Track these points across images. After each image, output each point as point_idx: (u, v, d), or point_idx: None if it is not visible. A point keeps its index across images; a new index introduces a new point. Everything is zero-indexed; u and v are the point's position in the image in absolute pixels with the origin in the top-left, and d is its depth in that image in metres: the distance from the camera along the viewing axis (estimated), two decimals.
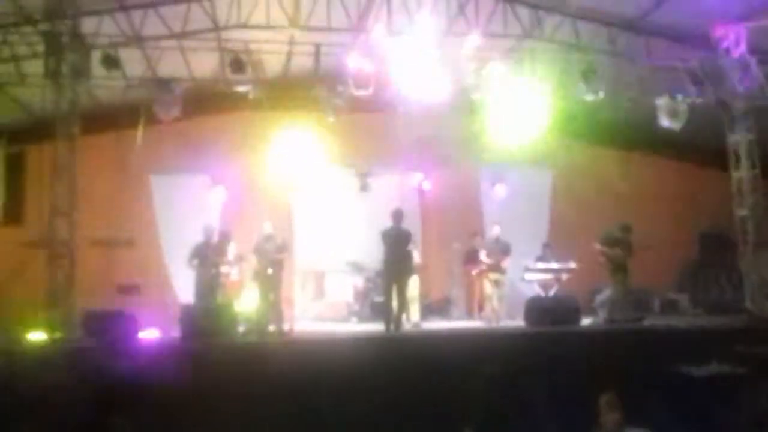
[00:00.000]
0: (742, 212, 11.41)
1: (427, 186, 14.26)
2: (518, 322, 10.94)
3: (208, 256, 10.63)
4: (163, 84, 10.61)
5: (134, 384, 3.17)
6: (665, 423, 7.04)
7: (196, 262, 10.61)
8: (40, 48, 9.94)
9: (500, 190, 14.12)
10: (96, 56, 10.13)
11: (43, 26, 9.91)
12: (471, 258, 12.45)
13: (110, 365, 3.51)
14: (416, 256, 11.53)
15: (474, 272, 12.26)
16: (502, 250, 11.82)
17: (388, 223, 10.34)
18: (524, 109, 11.11)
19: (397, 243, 10.17)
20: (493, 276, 11.74)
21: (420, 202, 14.35)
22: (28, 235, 11.76)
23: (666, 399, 7.62)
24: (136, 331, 8.89)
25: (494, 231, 12.13)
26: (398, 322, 10.06)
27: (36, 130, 11.43)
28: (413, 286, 11.35)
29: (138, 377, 3.18)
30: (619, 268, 10.73)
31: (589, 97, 11.53)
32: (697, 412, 7.48)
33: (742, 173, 11.45)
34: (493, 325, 11.35)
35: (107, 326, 8.56)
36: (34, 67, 10.05)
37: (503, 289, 11.91)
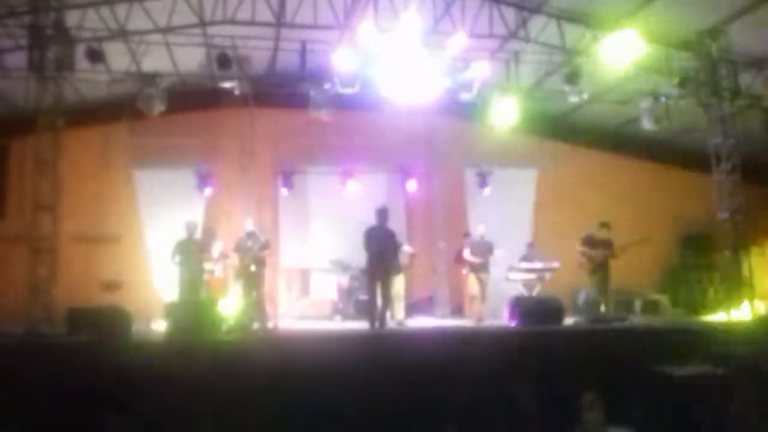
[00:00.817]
0: (723, 214, 11.53)
1: (412, 185, 14.28)
2: (501, 321, 10.99)
3: (190, 253, 10.58)
4: (148, 79, 10.55)
5: (125, 381, 3.16)
6: (646, 422, 7.11)
7: (178, 258, 10.56)
8: (24, 41, 9.85)
9: (485, 190, 14.17)
10: (80, 50, 10.06)
11: (27, 19, 9.82)
12: (460, 257, 12.48)
13: (102, 362, 3.49)
14: (407, 249, 11.63)
15: (464, 271, 12.27)
16: (488, 248, 11.87)
17: (372, 221, 10.31)
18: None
19: (381, 241, 10.11)
20: (478, 275, 11.79)
21: (405, 201, 14.38)
22: (10, 229, 11.66)
23: (647, 399, 7.68)
24: (128, 327, 8.79)
25: (479, 229, 12.15)
26: (382, 319, 10.05)
27: (19, 123, 11.30)
28: (399, 284, 11.38)
29: (129, 374, 3.17)
30: (598, 268, 10.82)
31: (574, 99, 11.61)
32: (678, 412, 7.56)
33: (723, 176, 11.57)
34: (478, 323, 11.39)
35: (98, 322, 8.43)
36: (18, 60, 9.96)
37: (487, 287, 11.96)
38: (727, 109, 11.52)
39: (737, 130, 11.49)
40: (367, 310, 10.46)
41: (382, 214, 10.18)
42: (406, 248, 11.85)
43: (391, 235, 10.34)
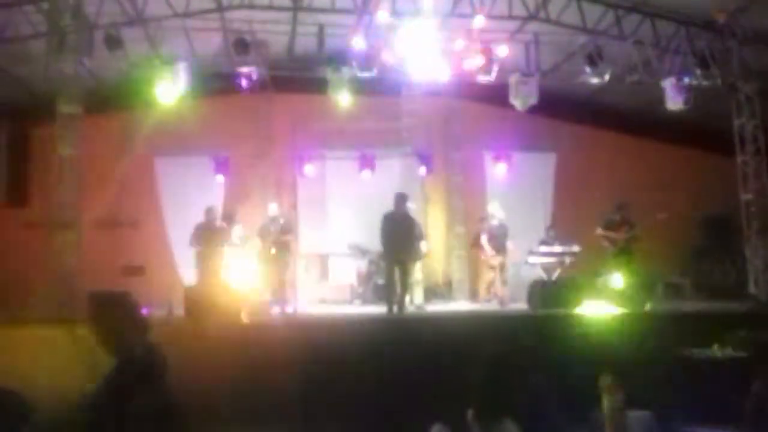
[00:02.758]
0: (746, 197, 11.38)
1: (430, 170, 14.18)
2: (521, 305, 10.95)
3: (210, 237, 10.64)
4: (166, 64, 10.57)
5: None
6: (666, 407, 7.06)
7: (197, 242, 10.63)
8: (43, 27, 9.90)
9: (504, 174, 14.08)
10: (99, 36, 10.09)
11: (45, 5, 9.86)
12: (478, 242, 12.43)
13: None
14: (423, 246, 11.57)
15: (482, 257, 12.24)
16: (505, 234, 11.81)
17: (391, 206, 10.28)
18: None
19: (399, 226, 10.09)
20: (496, 260, 11.75)
21: (423, 186, 14.32)
22: (32, 215, 11.78)
23: (668, 383, 7.63)
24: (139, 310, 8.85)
25: (498, 214, 12.07)
26: (401, 304, 10.06)
27: (39, 111, 11.39)
28: (417, 269, 11.36)
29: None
30: (623, 252, 10.68)
31: (594, 80, 11.47)
32: (699, 397, 7.49)
33: (747, 157, 11.40)
34: (502, 307, 11.34)
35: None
36: (37, 47, 10.01)
37: (506, 272, 11.90)
38: (752, 90, 11.33)
39: (761, 111, 11.30)
40: (385, 294, 10.48)
41: (400, 199, 10.19)
42: (424, 244, 11.79)
43: (410, 221, 10.33)
